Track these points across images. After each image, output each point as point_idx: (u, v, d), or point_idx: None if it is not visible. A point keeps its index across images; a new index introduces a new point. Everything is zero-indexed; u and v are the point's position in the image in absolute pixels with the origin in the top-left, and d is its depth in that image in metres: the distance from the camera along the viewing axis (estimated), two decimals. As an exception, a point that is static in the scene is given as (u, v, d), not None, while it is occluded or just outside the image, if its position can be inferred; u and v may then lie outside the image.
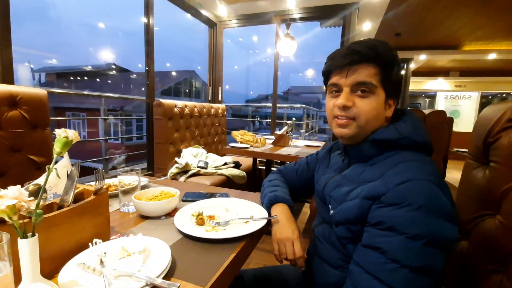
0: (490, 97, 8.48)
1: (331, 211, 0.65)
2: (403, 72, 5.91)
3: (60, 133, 0.43)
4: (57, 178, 0.61)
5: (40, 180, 0.54)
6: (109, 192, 0.91)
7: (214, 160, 2.27)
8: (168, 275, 0.49)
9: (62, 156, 0.57)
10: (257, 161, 2.70)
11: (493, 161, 0.62)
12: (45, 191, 0.43)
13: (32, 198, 0.39)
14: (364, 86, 0.62)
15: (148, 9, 2.39)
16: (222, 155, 2.54)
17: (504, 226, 0.56)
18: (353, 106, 0.63)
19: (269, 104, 3.56)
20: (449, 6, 3.41)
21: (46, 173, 0.43)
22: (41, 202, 0.44)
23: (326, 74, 0.70)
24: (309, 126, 5.81)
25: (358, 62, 0.62)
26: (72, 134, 0.44)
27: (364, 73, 0.62)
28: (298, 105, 5.30)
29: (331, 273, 0.66)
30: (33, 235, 0.39)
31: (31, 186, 0.47)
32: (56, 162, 0.44)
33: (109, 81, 19.70)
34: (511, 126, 0.59)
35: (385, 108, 0.65)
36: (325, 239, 0.69)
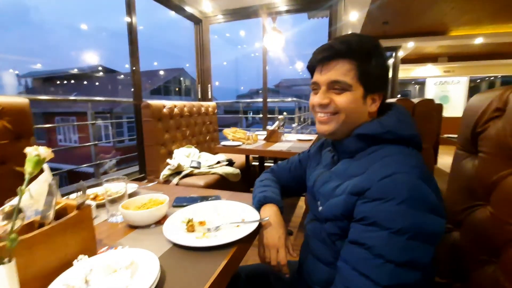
0: (478, 81, 8.60)
1: (320, 208, 0.66)
2: (391, 61, 5.93)
3: (31, 151, 0.41)
4: (39, 194, 0.58)
5: (16, 200, 0.51)
6: (97, 202, 0.89)
7: (207, 159, 2.25)
8: (157, 289, 0.48)
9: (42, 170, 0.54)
10: (250, 158, 2.69)
11: (482, 152, 0.62)
12: (20, 211, 0.41)
13: (6, 222, 0.37)
14: (338, 85, 0.62)
15: (130, 8, 2.32)
16: (214, 153, 2.52)
17: (495, 216, 0.56)
18: (331, 102, 0.63)
19: (260, 100, 3.53)
20: (435, -8, 3.41)
21: (19, 194, 0.41)
22: (18, 224, 0.41)
23: (310, 71, 0.70)
24: (302, 119, 5.81)
25: (331, 58, 0.62)
26: (44, 152, 0.41)
27: (338, 70, 0.62)
28: (290, 99, 5.29)
29: (324, 270, 0.66)
30: (9, 260, 0.37)
31: (7, 207, 0.44)
32: (29, 182, 0.41)
33: (97, 83, 19.33)
34: (498, 115, 0.59)
35: (366, 103, 0.64)
36: (316, 236, 0.69)
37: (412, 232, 0.47)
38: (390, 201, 0.49)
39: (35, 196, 0.54)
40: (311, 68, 0.69)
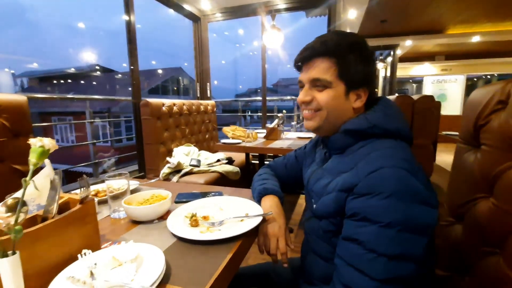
0: (475, 79, 8.65)
1: (314, 205, 0.67)
2: (389, 59, 5.95)
3: (35, 142, 0.40)
4: (41, 188, 0.58)
5: (20, 193, 0.51)
6: (98, 198, 0.88)
7: (207, 158, 2.25)
8: (162, 282, 0.48)
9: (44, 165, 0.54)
10: (250, 156, 2.69)
11: (484, 144, 0.62)
12: (24, 204, 0.41)
13: (10, 214, 0.36)
14: (319, 82, 0.64)
15: (128, 6, 2.31)
16: (214, 152, 2.51)
17: (498, 208, 0.56)
18: (314, 99, 0.65)
19: (259, 98, 3.53)
20: (432, -10, 3.43)
21: (30, 186, 0.41)
22: (21, 217, 0.41)
23: (298, 69, 0.72)
24: (300, 117, 5.82)
25: (312, 57, 0.64)
26: (48, 143, 0.41)
27: (318, 68, 0.63)
28: (288, 97, 5.29)
29: (324, 266, 0.66)
30: (13, 253, 0.37)
31: (10, 200, 0.44)
32: (34, 173, 0.41)
33: (94, 83, 19.22)
34: (501, 108, 0.59)
35: (349, 99, 0.64)
36: (315, 233, 0.69)
37: (402, 225, 0.47)
38: (378, 196, 0.49)
39: (40, 189, 0.53)
40: (297, 66, 0.71)
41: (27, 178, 0.39)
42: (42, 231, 0.47)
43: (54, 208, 0.51)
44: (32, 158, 0.40)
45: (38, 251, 0.47)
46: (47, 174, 0.61)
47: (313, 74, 0.64)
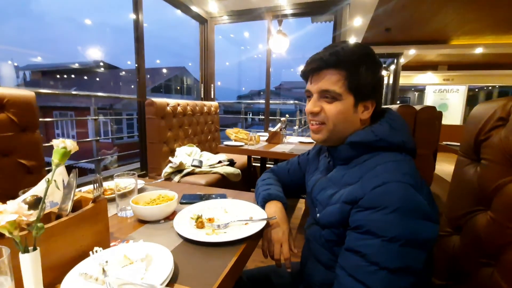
0: (476, 90, 8.69)
1: (318, 214, 0.67)
2: (392, 67, 5.98)
3: (58, 143, 0.42)
4: (53, 186, 0.60)
5: (36, 190, 0.53)
6: (105, 197, 0.90)
7: (208, 159, 2.26)
8: (171, 282, 0.49)
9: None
10: (252, 159, 2.71)
11: (484, 159, 0.64)
12: (44, 202, 0.42)
13: (31, 212, 0.38)
14: (327, 94, 0.63)
15: (137, 6, 2.34)
16: (216, 153, 2.53)
17: (495, 221, 0.58)
18: (322, 111, 0.65)
19: (262, 101, 3.55)
20: (438, 1, 3.46)
21: (42, 183, 0.43)
22: (41, 214, 0.43)
23: (304, 78, 0.72)
24: (302, 122, 5.84)
25: (321, 69, 0.64)
26: (70, 144, 0.43)
27: (328, 80, 0.63)
28: (291, 101, 5.32)
29: (325, 273, 0.67)
30: (34, 249, 0.39)
31: (28, 197, 0.46)
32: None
33: (97, 79, 19.21)
34: (502, 124, 0.61)
35: (357, 111, 0.64)
36: (316, 241, 0.70)
37: (405, 240, 0.49)
38: (383, 210, 0.50)
39: (52, 187, 0.55)
40: (304, 76, 0.71)
41: (50, 177, 0.41)
42: (58, 227, 0.49)
43: (69, 206, 0.53)
44: (55, 159, 0.42)
45: (53, 246, 0.48)
46: (60, 172, 0.64)
47: (322, 86, 0.64)
